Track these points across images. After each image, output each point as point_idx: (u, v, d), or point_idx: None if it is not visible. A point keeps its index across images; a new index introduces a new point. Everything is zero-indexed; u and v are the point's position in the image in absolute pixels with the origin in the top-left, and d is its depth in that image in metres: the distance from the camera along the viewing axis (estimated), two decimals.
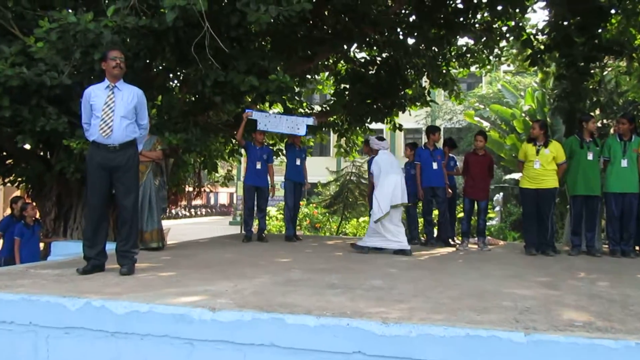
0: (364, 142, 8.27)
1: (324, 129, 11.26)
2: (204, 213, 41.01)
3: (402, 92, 10.46)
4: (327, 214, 16.60)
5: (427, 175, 7.54)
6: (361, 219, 15.50)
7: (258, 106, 9.06)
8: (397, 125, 11.12)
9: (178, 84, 8.81)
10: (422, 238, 8.14)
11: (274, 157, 9.30)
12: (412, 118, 15.34)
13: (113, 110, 4.33)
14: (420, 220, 9.06)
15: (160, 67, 7.83)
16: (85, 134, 4.55)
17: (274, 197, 8.37)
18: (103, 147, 4.35)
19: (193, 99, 8.41)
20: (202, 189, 10.94)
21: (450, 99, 11.34)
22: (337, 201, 16.47)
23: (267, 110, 9.67)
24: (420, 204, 8.37)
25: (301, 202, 9.17)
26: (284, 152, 8.89)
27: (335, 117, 10.84)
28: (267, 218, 10.21)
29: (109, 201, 4.56)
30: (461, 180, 16.75)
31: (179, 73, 8.13)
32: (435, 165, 7.53)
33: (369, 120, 10.63)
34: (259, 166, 7.65)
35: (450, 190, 7.80)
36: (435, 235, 7.89)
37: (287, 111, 8.43)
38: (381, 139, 7.13)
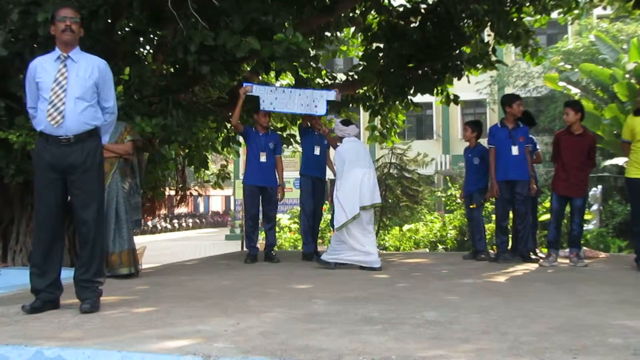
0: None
1: (351, 105, 11.24)
2: (191, 225, 41.39)
3: (458, 52, 10.38)
4: None
5: (503, 165, 7.36)
6: (405, 227, 15.46)
7: (260, 78, 9.08)
8: (452, 97, 11.04)
9: (151, 51, 8.87)
10: (492, 251, 8.08)
11: (285, 146, 9.31)
12: (471, 86, 15.20)
13: (65, 90, 4.35)
14: (489, 226, 9.00)
15: (127, 29, 7.88)
16: (32, 122, 4.60)
17: (286, 201, 8.38)
18: (53, 139, 4.37)
19: (172, 70, 8.45)
20: (188, 193, 11.01)
21: (525, 57, 11.21)
22: None
23: (273, 83, 9.69)
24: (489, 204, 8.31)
25: (323, 207, 9.15)
26: (298, 138, 8.89)
27: (366, 88, 10.82)
28: (277, 229, 10.23)
29: (64, 214, 4.60)
30: (542, 170, 16.60)
31: (152, 36, 8.17)
32: (515, 150, 7.31)
33: (412, 92, 10.58)
34: (263, 159, 7.68)
35: (534, 186, 7.62)
36: (510, 246, 7.83)
37: (301, 83, 8.43)
38: (347, 122, 7.20)
